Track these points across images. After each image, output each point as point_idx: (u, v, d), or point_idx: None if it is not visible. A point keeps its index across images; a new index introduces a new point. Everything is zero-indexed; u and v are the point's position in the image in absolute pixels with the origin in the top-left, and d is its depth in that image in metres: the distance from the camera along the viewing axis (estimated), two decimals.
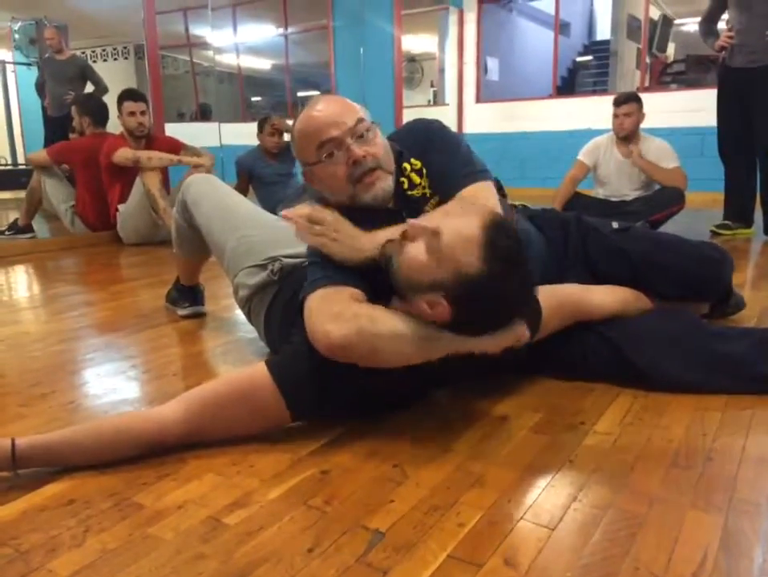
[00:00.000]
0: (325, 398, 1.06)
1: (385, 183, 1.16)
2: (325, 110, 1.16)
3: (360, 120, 1.15)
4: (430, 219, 1.00)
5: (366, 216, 1.14)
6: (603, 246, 1.45)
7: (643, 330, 1.31)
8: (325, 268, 1.10)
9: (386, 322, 0.98)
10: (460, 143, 1.27)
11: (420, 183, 1.23)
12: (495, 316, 0.99)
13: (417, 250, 0.98)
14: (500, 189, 1.31)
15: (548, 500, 0.89)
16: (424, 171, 1.23)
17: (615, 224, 1.49)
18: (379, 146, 1.17)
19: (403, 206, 1.21)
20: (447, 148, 1.24)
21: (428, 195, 1.23)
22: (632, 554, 0.76)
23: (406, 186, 1.22)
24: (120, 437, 0.99)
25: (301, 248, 1.39)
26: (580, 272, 1.42)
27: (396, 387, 1.11)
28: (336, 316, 0.99)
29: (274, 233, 1.51)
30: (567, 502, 0.88)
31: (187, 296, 1.96)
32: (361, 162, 1.13)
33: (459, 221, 0.97)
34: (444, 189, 1.21)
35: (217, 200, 1.62)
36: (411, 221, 0.99)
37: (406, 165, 1.23)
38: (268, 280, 1.41)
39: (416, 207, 1.20)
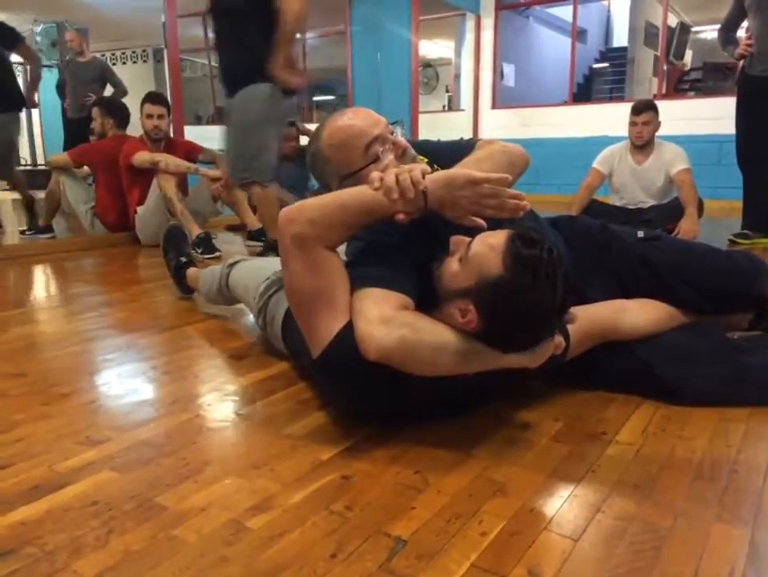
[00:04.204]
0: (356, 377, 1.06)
1: None
2: (357, 116, 1.20)
3: (387, 123, 1.21)
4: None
5: None
6: (629, 257, 1.40)
7: (671, 346, 1.29)
8: (373, 267, 1.10)
9: (429, 333, 0.99)
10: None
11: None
12: (526, 328, 0.99)
13: (453, 260, 1.05)
14: None
15: (571, 510, 0.88)
16: (434, 166, 1.22)
17: (641, 233, 1.45)
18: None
19: None
20: (450, 144, 1.31)
21: None
22: (658, 567, 0.75)
23: None
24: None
25: None
26: (605, 283, 1.39)
27: (433, 398, 1.11)
28: (384, 321, 0.99)
29: None
30: (591, 513, 0.87)
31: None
32: (407, 151, 1.19)
33: (489, 233, 1.01)
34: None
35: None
36: (453, 237, 1.06)
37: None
38: (274, 278, 1.47)
39: None
